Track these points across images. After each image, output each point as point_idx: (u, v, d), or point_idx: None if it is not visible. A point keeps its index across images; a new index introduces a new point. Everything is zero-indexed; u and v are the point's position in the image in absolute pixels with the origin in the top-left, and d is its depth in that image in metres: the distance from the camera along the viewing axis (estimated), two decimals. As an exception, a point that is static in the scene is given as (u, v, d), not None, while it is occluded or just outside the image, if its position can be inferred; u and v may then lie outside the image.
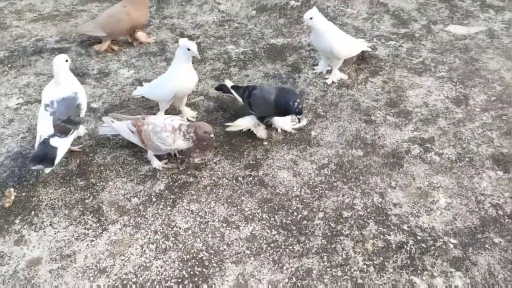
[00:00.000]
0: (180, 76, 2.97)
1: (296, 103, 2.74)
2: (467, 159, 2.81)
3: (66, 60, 2.85)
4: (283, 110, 2.83)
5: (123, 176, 2.81)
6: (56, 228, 2.53)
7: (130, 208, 2.63)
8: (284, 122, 3.05)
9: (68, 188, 2.74)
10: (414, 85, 3.42)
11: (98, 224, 2.55)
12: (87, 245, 2.45)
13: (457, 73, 3.52)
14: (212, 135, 2.66)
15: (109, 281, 2.29)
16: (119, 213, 2.60)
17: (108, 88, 3.50)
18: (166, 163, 2.84)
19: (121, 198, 2.68)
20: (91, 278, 2.30)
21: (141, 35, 3.97)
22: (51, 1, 4.72)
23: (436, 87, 3.39)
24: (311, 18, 3.19)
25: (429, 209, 2.54)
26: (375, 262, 2.30)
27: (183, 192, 2.70)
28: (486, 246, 2.34)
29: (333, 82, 3.45)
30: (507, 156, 2.81)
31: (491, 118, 3.09)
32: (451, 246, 2.35)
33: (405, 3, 4.46)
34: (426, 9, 4.36)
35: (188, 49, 2.88)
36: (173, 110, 3.20)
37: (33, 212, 2.60)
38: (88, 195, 2.71)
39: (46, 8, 4.59)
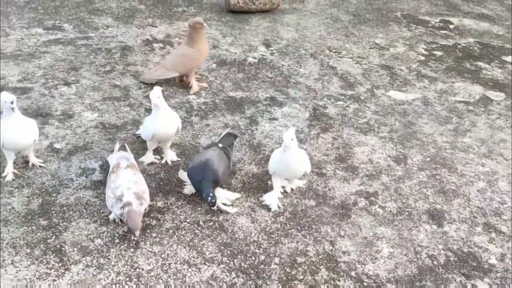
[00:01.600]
0: (159, 121, 3.13)
1: (209, 198, 2.83)
2: (406, 213, 3.13)
3: None
4: (196, 187, 2.97)
5: (86, 216, 2.88)
6: (18, 267, 2.54)
7: (93, 248, 2.69)
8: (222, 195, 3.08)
9: (30, 227, 2.77)
10: (360, 143, 3.77)
11: (60, 264, 2.59)
12: (49, 284, 2.48)
13: (397, 135, 3.91)
14: (136, 233, 2.65)
15: (71, 321, 2.33)
16: (82, 253, 2.66)
17: (72, 130, 3.58)
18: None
19: (84, 239, 2.74)
20: (53, 318, 2.33)
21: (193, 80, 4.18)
22: (14, 41, 4.77)
23: (379, 146, 3.76)
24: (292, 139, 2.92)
25: (374, 257, 2.80)
26: (326, 306, 2.50)
27: (146, 234, 2.80)
28: (423, 292, 2.61)
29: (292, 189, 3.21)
30: (440, 211, 3.16)
31: (426, 177, 3.46)
32: (393, 292, 2.61)
33: (352, 67, 4.91)
34: (370, 74, 4.82)
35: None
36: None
37: (-6, 250, 2.60)
38: (51, 234, 2.75)
39: (9, 47, 4.64)
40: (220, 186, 3.08)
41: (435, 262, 2.80)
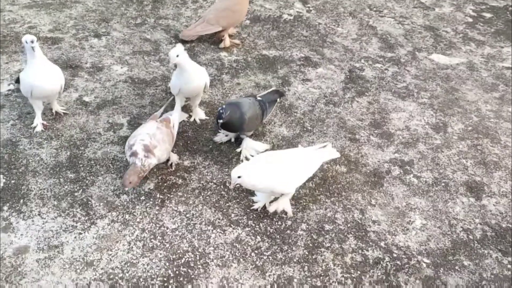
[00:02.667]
0: (183, 77, 3.05)
1: (221, 110, 2.78)
2: (442, 184, 2.98)
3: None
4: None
5: (113, 172, 2.85)
6: (45, 218, 2.55)
7: (119, 204, 2.67)
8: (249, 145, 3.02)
9: (58, 180, 2.77)
10: (397, 109, 3.58)
11: (86, 218, 2.59)
12: (75, 237, 2.49)
13: (437, 101, 3.70)
14: (126, 188, 2.61)
15: (95, 275, 2.33)
16: (108, 208, 2.65)
17: (101, 83, 3.53)
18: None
19: (110, 194, 2.73)
20: (78, 271, 2.34)
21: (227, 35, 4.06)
22: (46, -12, 4.70)
23: (417, 112, 3.57)
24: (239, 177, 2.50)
25: (405, 229, 2.68)
26: (353, 276, 2.42)
27: (172, 193, 2.76)
28: (456, 268, 2.50)
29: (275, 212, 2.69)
30: (480, 184, 2.99)
31: (467, 147, 3.28)
32: (424, 265, 2.50)
33: (393, 28, 4.65)
34: (412, 35, 4.55)
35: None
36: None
37: (21, 200, 2.61)
38: (78, 188, 2.74)
39: (41, -5, 4.58)
40: (246, 134, 3.03)
41: (470, 236, 2.67)
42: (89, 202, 2.66)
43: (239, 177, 2.46)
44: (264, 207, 2.70)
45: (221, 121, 2.78)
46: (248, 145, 3.02)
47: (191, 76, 3.08)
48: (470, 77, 4.03)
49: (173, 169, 2.89)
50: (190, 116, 3.29)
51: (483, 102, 3.74)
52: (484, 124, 3.49)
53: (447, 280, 2.43)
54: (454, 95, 3.79)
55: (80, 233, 2.51)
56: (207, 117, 3.30)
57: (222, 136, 3.11)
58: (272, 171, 2.54)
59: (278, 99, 3.27)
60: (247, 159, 2.95)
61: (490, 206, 2.86)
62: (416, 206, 2.82)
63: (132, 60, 3.81)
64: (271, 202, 2.68)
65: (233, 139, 3.11)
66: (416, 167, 3.09)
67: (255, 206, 2.70)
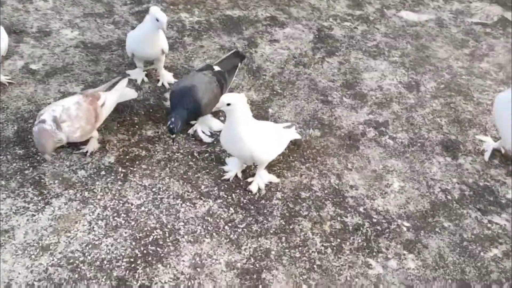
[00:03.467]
0: (139, 39, 2.80)
1: (169, 123, 2.47)
2: (418, 144, 2.88)
3: None
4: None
5: (67, 146, 2.60)
6: (-8, 201, 2.30)
7: (76, 181, 2.44)
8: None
9: (5, 157, 2.50)
10: (369, 68, 3.44)
11: (40, 198, 2.35)
12: (28, 220, 2.25)
13: (409, 59, 3.58)
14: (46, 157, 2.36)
15: (53, 260, 2.12)
16: (64, 186, 2.41)
17: (50, 49, 3.21)
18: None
19: (65, 170, 2.49)
20: (33, 256, 2.12)
21: None
22: None
23: (389, 71, 3.44)
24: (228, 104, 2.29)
25: (383, 192, 2.58)
26: (333, 244, 2.30)
27: (135, 166, 2.54)
28: (436, 229, 2.42)
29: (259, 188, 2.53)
30: (455, 142, 2.91)
31: (440, 106, 3.18)
32: (404, 229, 2.41)
33: (360, -16, 4.46)
34: (379, -8, 4.38)
35: (157, 20, 2.67)
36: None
37: (-36, 182, 2.34)
38: (28, 165, 2.48)
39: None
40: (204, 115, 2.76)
41: (449, 197, 2.59)
42: (42, 180, 2.41)
43: (228, 104, 2.24)
44: (236, 176, 2.53)
45: (174, 136, 2.53)
46: (205, 120, 2.76)
47: (147, 38, 2.82)
48: (440, 34, 3.92)
49: (87, 156, 2.56)
50: (158, 81, 3.06)
51: (454, 59, 3.64)
52: (456, 82, 3.40)
53: (428, 242, 2.35)
54: (424, 52, 3.68)
55: (33, 215, 2.27)
56: (176, 80, 3.05)
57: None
58: (254, 129, 2.36)
59: (239, 64, 2.99)
60: (196, 133, 2.70)
61: (467, 164, 2.79)
62: (393, 168, 2.72)
63: (83, 23, 3.48)
64: (250, 182, 2.51)
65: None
66: (391, 128, 2.97)
67: (227, 176, 2.52)
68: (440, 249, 2.33)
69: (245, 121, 2.32)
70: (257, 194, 2.48)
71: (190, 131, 2.74)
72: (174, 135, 2.52)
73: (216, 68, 2.81)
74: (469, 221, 2.47)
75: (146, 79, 3.06)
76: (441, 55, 3.67)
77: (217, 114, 2.90)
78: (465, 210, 2.52)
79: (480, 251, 2.32)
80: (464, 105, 3.19)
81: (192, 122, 2.75)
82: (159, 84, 3.05)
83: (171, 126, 2.46)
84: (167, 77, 3.06)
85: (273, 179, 2.54)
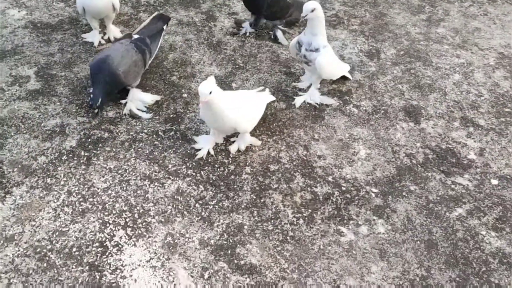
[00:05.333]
0: None
1: (89, 99, 2.48)
2: (382, 111, 2.92)
3: None
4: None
5: (24, 131, 2.49)
6: None
7: (37, 167, 2.34)
8: None
9: (-43, 147, 2.36)
10: (329, 38, 3.42)
11: (-1, 187, 2.24)
12: (-12, 211, 2.15)
13: (368, 27, 3.59)
14: None
15: (19, 250, 2.04)
16: (24, 174, 2.31)
17: (-4, 31, 3.04)
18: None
19: (24, 157, 2.38)
20: (-3, 248, 2.03)
21: None
22: None
23: (350, 40, 3.44)
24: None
25: (351, 160, 2.61)
26: (304, 214, 2.32)
27: (98, 149, 2.46)
28: (403, 193, 2.47)
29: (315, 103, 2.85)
30: (417, 108, 2.97)
31: (401, 72, 3.22)
32: (373, 195, 2.45)
33: (316, -47, 4.41)
34: (336, -39, 4.35)
35: None
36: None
37: None
38: (-16, 154, 2.36)
39: None
40: (131, 86, 2.67)
41: (413, 161, 2.65)
42: (0, 169, 2.30)
43: (210, 93, 2.20)
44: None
45: (96, 110, 2.51)
46: (135, 96, 2.68)
47: None
48: (397, 0, 3.94)
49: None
50: (105, 34, 3.06)
51: (411, 25, 3.68)
52: (415, 48, 3.45)
53: (396, 207, 2.41)
54: (383, 20, 3.70)
55: (-6, 206, 2.17)
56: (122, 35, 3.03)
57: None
58: (233, 100, 2.37)
59: (164, 27, 2.87)
60: (132, 112, 2.63)
61: (429, 128, 2.85)
62: (359, 136, 2.74)
63: (30, 2, 3.30)
64: (232, 142, 2.52)
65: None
66: (354, 96, 2.99)
67: (200, 154, 2.48)
68: (407, 212, 2.39)
69: (221, 95, 2.30)
70: (226, 170, 2.46)
71: (125, 111, 2.64)
72: (96, 110, 2.50)
73: (135, 36, 2.74)
74: (433, 183, 2.54)
75: (103, 41, 3.02)
76: (399, 21, 3.70)
77: (189, 78, 2.86)
78: (429, 173, 2.59)
79: (445, 211, 2.39)
80: (424, 71, 3.24)
81: (122, 101, 2.67)
82: (105, 37, 3.04)
83: (90, 103, 2.47)
84: (114, 32, 3.05)
85: (255, 141, 2.56)
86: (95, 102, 2.45)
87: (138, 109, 2.64)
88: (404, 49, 3.43)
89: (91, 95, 2.45)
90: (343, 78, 3.04)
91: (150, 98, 2.70)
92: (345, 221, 2.31)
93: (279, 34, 3.28)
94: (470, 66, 3.32)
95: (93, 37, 3.01)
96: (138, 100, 2.67)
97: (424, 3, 3.92)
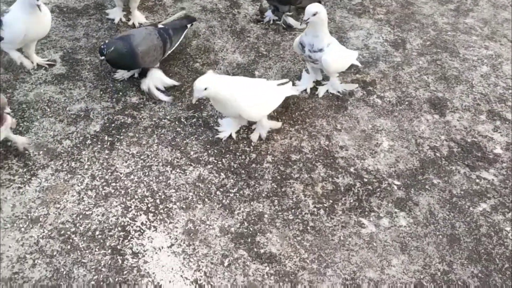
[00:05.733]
0: None
1: (102, 44, 2.47)
2: (406, 102, 2.87)
3: None
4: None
5: (50, 115, 2.52)
6: (-25, 175, 2.23)
7: (62, 151, 2.38)
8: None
9: (-15, 129, 2.40)
10: (354, 27, 3.38)
11: (25, 169, 2.28)
12: (14, 192, 2.20)
13: (394, 16, 3.53)
14: (7, 110, 2.11)
15: (43, 232, 2.08)
16: (49, 157, 2.35)
17: (23, 15, 3.06)
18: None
19: (50, 140, 2.42)
20: (22, 229, 2.08)
21: None
22: None
23: (375, 29, 3.38)
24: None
25: (373, 152, 2.58)
26: (325, 205, 2.31)
27: (122, 134, 2.49)
28: (426, 187, 2.44)
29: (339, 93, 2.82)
30: (442, 100, 2.91)
31: (427, 63, 3.16)
32: (395, 187, 2.42)
33: None
34: None
35: None
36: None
37: None
38: (10, 136, 2.40)
39: None
40: (150, 67, 2.67)
41: (437, 154, 2.61)
42: (26, 151, 2.34)
43: (205, 89, 2.19)
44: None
45: (102, 58, 2.45)
46: (154, 75, 2.67)
47: None
48: (425, -11, 3.86)
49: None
50: (129, 20, 3.08)
51: (439, 15, 3.60)
52: (442, 38, 3.38)
53: (418, 200, 2.38)
54: (409, 9, 3.62)
55: (19, 187, 2.21)
56: (147, 21, 3.08)
57: (123, 72, 2.74)
58: (240, 89, 2.33)
59: (188, 26, 2.91)
60: (150, 91, 2.63)
61: (454, 121, 2.80)
62: (382, 128, 2.71)
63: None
64: (253, 130, 2.52)
65: (136, 75, 2.75)
66: (378, 87, 2.95)
67: (220, 135, 2.48)
68: (430, 205, 2.36)
69: (223, 85, 2.29)
70: (247, 158, 2.46)
71: (144, 87, 2.65)
72: (102, 58, 2.47)
73: (160, 25, 2.78)
74: (458, 177, 2.50)
75: (124, 19, 3.08)
76: (426, 11, 3.62)
77: (211, 65, 2.91)
78: (453, 167, 2.55)
79: (469, 206, 2.36)
80: (451, 62, 3.18)
81: (142, 80, 2.68)
82: (130, 23, 3.07)
83: (102, 46, 2.44)
84: (138, 18, 3.08)
85: (275, 125, 2.55)
86: (106, 49, 2.41)
87: (157, 89, 2.63)
88: (431, 39, 3.36)
89: (106, 42, 2.46)
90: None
91: (169, 80, 2.71)
92: (366, 213, 2.30)
93: (290, 20, 3.23)
94: (498, 58, 3.24)
95: (115, 14, 3.10)
96: (158, 78, 2.67)
97: (452, -7, 3.83)
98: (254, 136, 2.51)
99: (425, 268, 2.11)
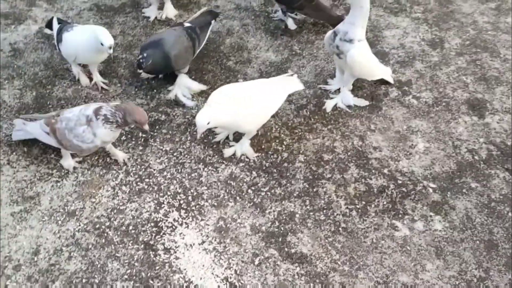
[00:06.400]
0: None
1: (139, 57, 2.47)
2: (443, 103, 2.80)
3: None
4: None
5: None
6: (15, 167, 2.29)
7: (98, 146, 2.42)
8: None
9: (25, 124, 2.47)
10: (390, 26, 3.32)
11: (62, 164, 2.34)
12: (52, 186, 2.25)
13: (432, 15, 3.44)
14: (146, 127, 2.12)
15: (79, 225, 2.13)
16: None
17: (63, 13, 3.15)
18: (79, 161, 2.33)
19: (86, 136, 2.46)
20: (59, 222, 2.13)
21: None
22: None
23: (412, 28, 3.31)
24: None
25: (408, 153, 2.53)
26: (358, 206, 2.28)
27: (156, 131, 2.52)
28: (464, 190, 2.37)
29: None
30: (482, 101, 2.83)
31: (465, 63, 3.07)
32: (431, 190, 2.37)
33: None
34: None
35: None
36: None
37: (-14, 150, 2.34)
38: (49, 131, 2.46)
39: None
40: (180, 71, 2.69)
41: (475, 157, 2.53)
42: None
43: (208, 123, 2.16)
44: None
45: (141, 71, 2.50)
46: (182, 82, 2.67)
47: None
48: (465, -13, 3.75)
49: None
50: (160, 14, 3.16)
51: (479, 14, 3.49)
52: (482, 38, 3.27)
53: (455, 204, 2.32)
54: (448, 8, 3.53)
55: (57, 181, 2.27)
56: (178, 13, 3.16)
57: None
58: (237, 107, 2.22)
59: (212, 22, 2.87)
60: (177, 98, 2.64)
61: (494, 123, 2.71)
62: (417, 129, 2.65)
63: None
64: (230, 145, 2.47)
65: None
66: (414, 87, 2.89)
67: (217, 138, 2.47)
68: (467, 210, 2.29)
69: (219, 110, 2.23)
70: (279, 157, 2.45)
71: (171, 95, 2.66)
72: (141, 71, 2.52)
73: (187, 24, 2.75)
74: (497, 181, 2.42)
75: (159, 17, 3.12)
76: (465, 10, 3.52)
77: (245, 64, 2.90)
78: (492, 170, 2.47)
79: (508, 211, 2.28)
80: (491, 62, 3.08)
81: (169, 88, 2.69)
82: (163, 17, 3.14)
83: (141, 60, 2.46)
84: (170, 11, 3.15)
85: (251, 153, 2.42)
86: (145, 62, 2.45)
87: (184, 96, 2.65)
88: (470, 39, 3.26)
89: (144, 55, 2.46)
90: (383, 82, 2.83)
91: (196, 86, 2.70)
92: (400, 216, 2.25)
93: (290, 20, 3.14)
94: (542, 59, 3.12)
95: (151, 12, 3.15)
96: (185, 86, 2.68)
97: (494, -9, 3.71)
98: (227, 152, 2.42)
99: (461, 274, 2.05)
